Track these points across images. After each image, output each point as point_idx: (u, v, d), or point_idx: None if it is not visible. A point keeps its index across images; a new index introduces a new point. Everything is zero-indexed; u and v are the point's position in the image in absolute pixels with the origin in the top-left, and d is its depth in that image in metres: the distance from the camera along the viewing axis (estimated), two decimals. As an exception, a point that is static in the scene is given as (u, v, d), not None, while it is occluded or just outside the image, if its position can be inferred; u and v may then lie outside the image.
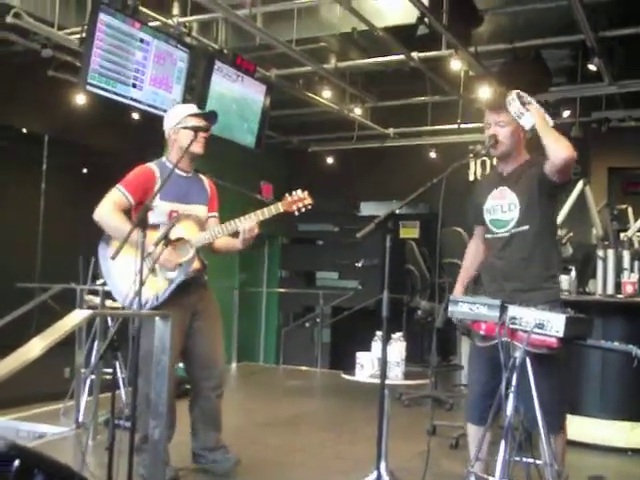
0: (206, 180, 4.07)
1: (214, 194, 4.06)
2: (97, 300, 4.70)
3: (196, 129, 3.69)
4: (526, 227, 3.33)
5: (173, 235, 3.59)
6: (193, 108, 4.01)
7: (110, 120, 7.41)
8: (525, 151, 3.45)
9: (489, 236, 3.48)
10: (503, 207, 3.39)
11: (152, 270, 3.54)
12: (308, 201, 3.83)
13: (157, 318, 2.37)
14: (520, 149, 3.43)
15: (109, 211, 3.68)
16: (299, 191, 3.83)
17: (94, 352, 4.98)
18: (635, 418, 4.90)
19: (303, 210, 3.82)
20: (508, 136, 3.35)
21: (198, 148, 3.84)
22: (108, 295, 4.75)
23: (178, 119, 3.87)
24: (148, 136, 7.87)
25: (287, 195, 3.82)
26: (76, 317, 1.96)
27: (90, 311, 2.17)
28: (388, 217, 2.87)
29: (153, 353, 2.81)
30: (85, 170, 9.51)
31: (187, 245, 3.73)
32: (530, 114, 3.21)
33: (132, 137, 8.10)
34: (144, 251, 2.88)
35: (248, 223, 3.71)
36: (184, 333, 3.83)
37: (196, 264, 3.78)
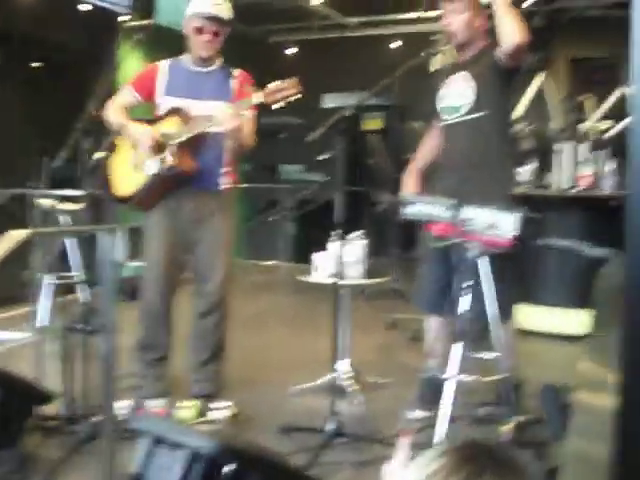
0: (236, 73, 3.68)
1: (243, 88, 3.59)
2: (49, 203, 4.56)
3: (197, 30, 3.54)
4: (481, 113, 3.26)
5: (161, 130, 3.47)
6: (205, 4, 3.55)
7: (60, 12, 7.09)
8: (486, 37, 3.31)
9: (442, 124, 3.40)
10: (459, 91, 3.29)
11: (136, 166, 3.48)
12: (294, 90, 3.29)
13: (100, 232, 2.30)
14: (480, 36, 3.31)
15: (110, 109, 3.64)
16: (287, 80, 3.30)
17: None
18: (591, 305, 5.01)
19: (289, 101, 3.28)
20: (463, 25, 3.23)
21: (201, 50, 3.59)
22: (64, 198, 4.65)
23: (188, 13, 3.58)
24: (100, 29, 7.59)
25: (268, 85, 3.31)
26: (12, 238, 1.88)
27: (28, 230, 2.09)
28: (339, 120, 2.80)
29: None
30: (36, 64, 9.20)
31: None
32: None
33: (84, 30, 7.77)
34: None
35: (221, 115, 3.32)
36: (181, 244, 3.61)
37: (171, 160, 3.38)
